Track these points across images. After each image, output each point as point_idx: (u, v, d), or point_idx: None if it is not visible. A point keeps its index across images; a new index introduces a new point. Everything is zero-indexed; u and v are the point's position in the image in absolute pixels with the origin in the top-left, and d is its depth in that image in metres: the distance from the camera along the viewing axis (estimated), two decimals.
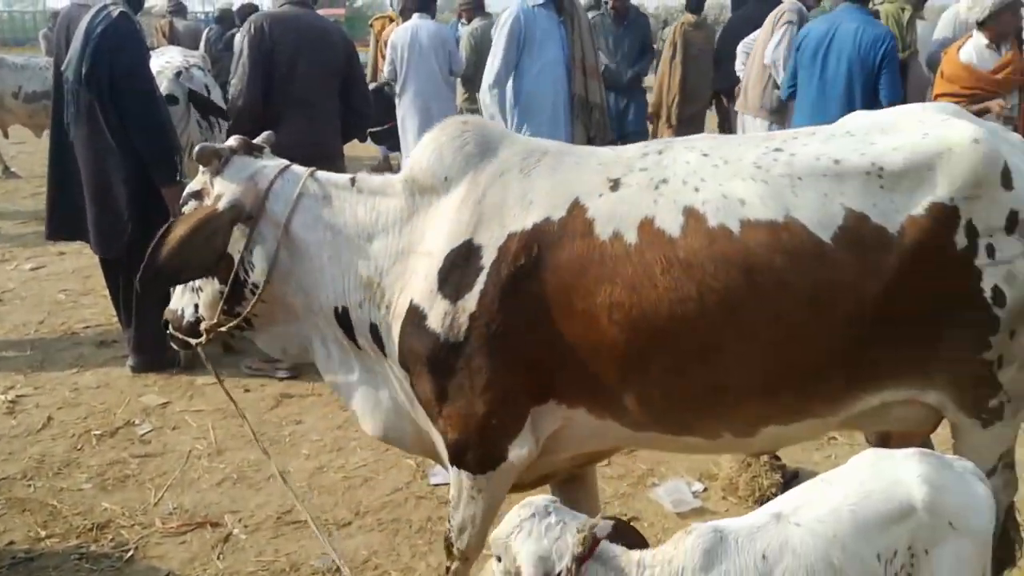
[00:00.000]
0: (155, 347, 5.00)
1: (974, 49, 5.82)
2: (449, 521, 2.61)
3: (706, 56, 8.59)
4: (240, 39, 5.01)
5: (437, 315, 2.32)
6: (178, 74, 6.14)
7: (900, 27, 6.59)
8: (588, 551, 1.84)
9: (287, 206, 2.55)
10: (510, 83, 5.52)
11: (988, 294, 2.17)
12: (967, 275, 2.17)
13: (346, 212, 2.56)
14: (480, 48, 7.62)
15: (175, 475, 3.94)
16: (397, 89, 7.16)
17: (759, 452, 2.80)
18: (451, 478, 2.54)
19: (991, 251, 2.16)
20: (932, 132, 2.21)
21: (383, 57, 8.16)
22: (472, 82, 7.60)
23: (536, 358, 2.29)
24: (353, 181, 2.61)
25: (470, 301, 2.28)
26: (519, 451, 2.38)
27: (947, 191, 2.14)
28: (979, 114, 5.68)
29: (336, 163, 5.07)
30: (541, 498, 1.96)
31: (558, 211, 2.27)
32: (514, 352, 2.29)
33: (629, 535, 2.02)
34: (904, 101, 5.17)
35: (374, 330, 2.52)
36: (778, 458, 3.80)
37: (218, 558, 3.35)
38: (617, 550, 1.89)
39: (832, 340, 2.16)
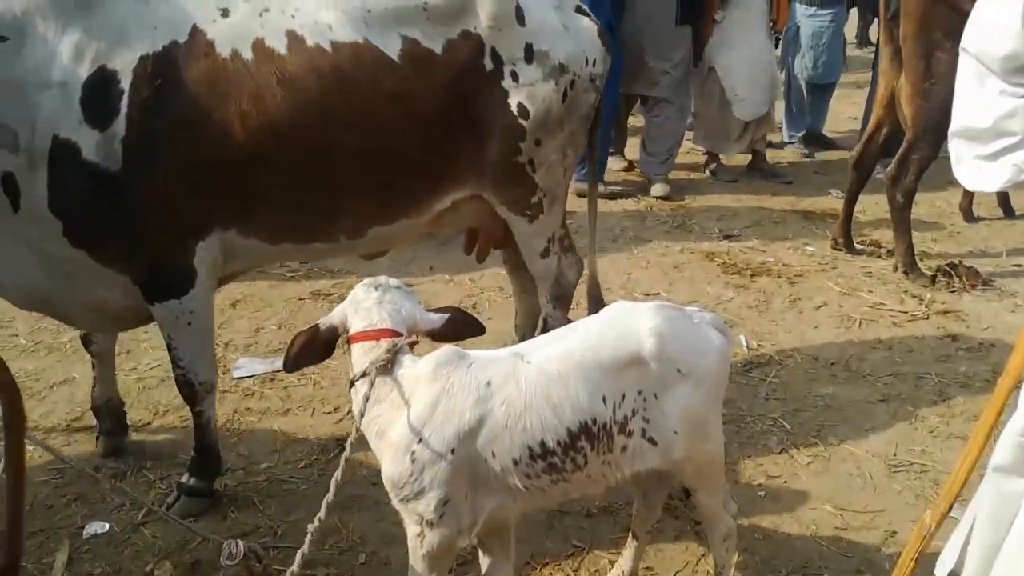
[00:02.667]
0: None
1: None
2: (178, 364, 2.73)
3: None
4: None
5: (89, 146, 2.35)
6: None
7: None
8: (388, 363, 1.96)
9: None
10: None
11: (515, 109, 2.75)
12: (498, 93, 2.73)
13: None
14: None
15: None
16: None
17: (370, 253, 3.13)
18: (158, 317, 2.66)
19: (515, 76, 2.75)
20: None
21: None
22: None
23: (190, 175, 2.46)
24: None
25: (119, 126, 2.36)
26: (205, 260, 2.58)
27: (472, 23, 2.69)
28: None
29: None
30: (387, 278, 2.12)
31: (181, 35, 2.46)
32: (171, 170, 2.44)
33: (465, 323, 2.12)
34: None
35: (8, 179, 2.39)
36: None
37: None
38: (407, 361, 1.98)
39: (410, 143, 2.63)
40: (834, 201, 6.08)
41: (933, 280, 4.74)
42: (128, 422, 3.32)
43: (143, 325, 2.93)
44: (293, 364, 2.05)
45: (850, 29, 10.62)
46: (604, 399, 1.99)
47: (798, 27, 7.10)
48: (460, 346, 2.05)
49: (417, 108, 2.62)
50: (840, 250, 5.23)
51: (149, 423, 3.43)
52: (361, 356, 2.00)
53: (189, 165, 2.46)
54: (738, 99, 6.31)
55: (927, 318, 4.37)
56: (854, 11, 10.30)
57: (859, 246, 5.28)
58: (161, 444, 3.30)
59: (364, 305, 2.04)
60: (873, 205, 5.70)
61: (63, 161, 2.35)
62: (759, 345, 4.07)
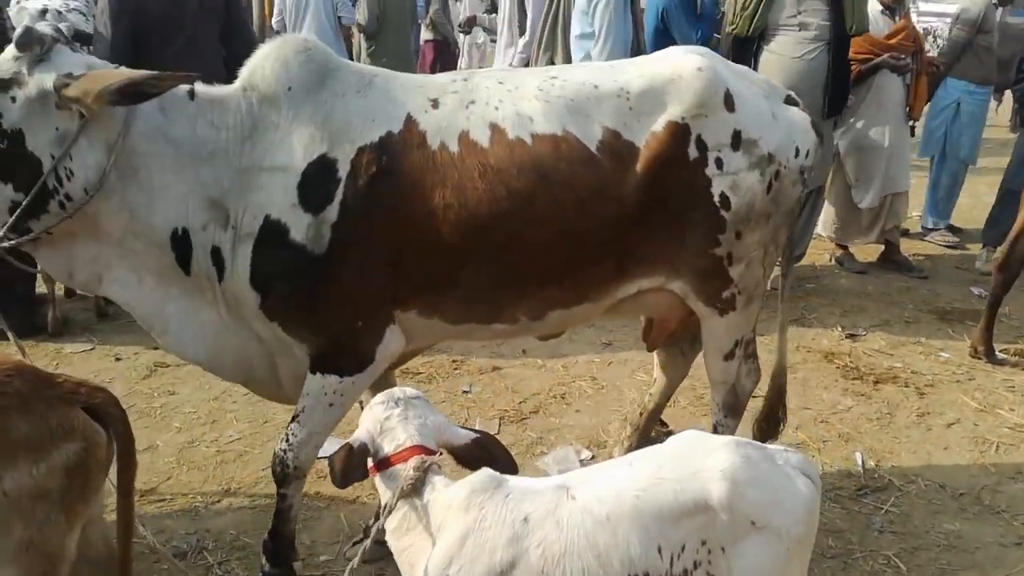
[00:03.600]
0: (22, 312, 4.66)
1: (870, 14, 5.87)
2: (288, 439, 2.62)
3: None
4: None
5: (300, 228, 2.39)
6: (43, 11, 5.60)
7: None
8: (418, 482, 1.79)
9: (127, 110, 2.32)
10: None
11: (717, 199, 2.62)
12: (700, 182, 2.61)
13: (184, 124, 2.42)
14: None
15: None
16: None
17: (548, 334, 3.02)
18: (310, 387, 2.58)
19: (719, 163, 2.61)
20: (669, 62, 2.68)
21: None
22: (378, 35, 7.35)
23: (392, 261, 2.47)
24: (192, 92, 2.46)
25: (331, 212, 2.39)
26: (385, 351, 2.57)
27: (679, 111, 2.58)
28: (873, 71, 5.77)
29: None
30: (402, 390, 1.96)
31: (396, 125, 2.48)
32: (375, 257, 2.45)
33: (493, 451, 1.94)
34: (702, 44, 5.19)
35: (216, 253, 2.45)
36: (665, 423, 3.77)
37: None
38: (439, 483, 1.82)
39: (603, 232, 2.57)
40: (975, 302, 5.54)
41: None
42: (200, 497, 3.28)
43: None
44: (342, 483, 1.86)
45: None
46: (660, 549, 1.74)
47: (957, 105, 6.64)
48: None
49: (615, 199, 2.55)
50: (979, 359, 4.71)
51: (218, 501, 3.37)
52: (390, 481, 1.83)
53: (392, 252, 2.47)
54: (862, 186, 5.91)
55: None
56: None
57: (1001, 355, 4.74)
58: (226, 524, 3.22)
59: (388, 425, 1.87)
60: (1020, 309, 5.15)
61: (270, 240, 2.41)
62: (877, 465, 3.65)
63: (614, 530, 1.73)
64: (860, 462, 3.66)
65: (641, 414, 3.57)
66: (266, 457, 3.61)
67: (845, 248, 6.36)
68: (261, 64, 2.49)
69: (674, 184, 2.60)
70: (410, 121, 2.49)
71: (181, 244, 2.45)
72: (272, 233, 2.40)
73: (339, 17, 7.02)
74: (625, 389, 4.31)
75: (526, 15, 6.44)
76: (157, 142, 2.39)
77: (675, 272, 2.74)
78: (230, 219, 2.43)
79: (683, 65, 2.64)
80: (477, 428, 1.98)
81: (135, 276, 2.51)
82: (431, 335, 2.74)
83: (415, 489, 1.79)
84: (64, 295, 5.31)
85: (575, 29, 5.36)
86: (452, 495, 1.79)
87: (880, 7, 5.85)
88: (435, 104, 2.53)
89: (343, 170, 2.42)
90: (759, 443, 1.95)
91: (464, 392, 4.26)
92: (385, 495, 1.84)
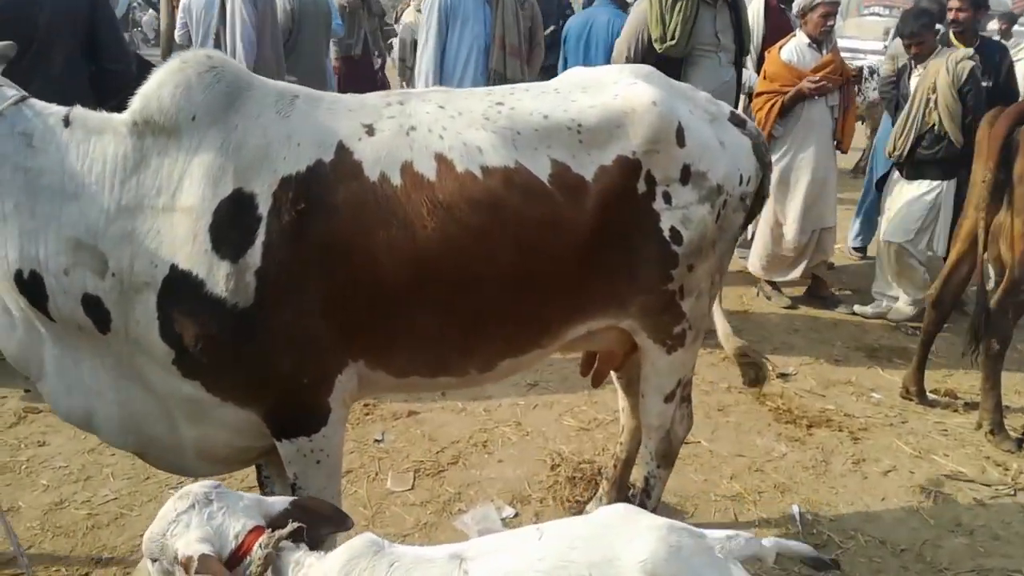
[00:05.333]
0: None
1: (795, 48, 5.80)
2: None
3: None
4: None
5: (217, 278, 2.08)
6: None
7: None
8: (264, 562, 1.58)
9: None
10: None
11: (667, 234, 2.52)
12: (649, 217, 2.51)
13: (50, 153, 2.07)
14: (300, 16, 7.07)
15: None
16: None
17: (494, 382, 2.88)
18: (286, 455, 2.35)
19: (667, 197, 2.51)
20: (621, 93, 2.51)
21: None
22: (292, 51, 7.06)
23: (330, 308, 2.20)
24: (67, 118, 2.12)
25: (253, 256, 2.08)
26: (341, 395, 2.33)
27: (630, 146, 2.45)
28: (795, 99, 5.68)
29: None
30: (200, 485, 1.72)
31: (327, 154, 2.20)
32: (310, 304, 2.17)
33: (319, 514, 1.76)
34: None
35: (92, 302, 2.10)
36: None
37: None
38: (304, 559, 1.61)
39: (556, 271, 2.41)
40: (904, 338, 5.46)
41: (1020, 445, 4.08)
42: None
43: (247, 466, 2.72)
44: None
45: None
46: None
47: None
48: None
49: (566, 236, 2.40)
50: (911, 399, 4.59)
51: (87, 573, 2.93)
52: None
53: (331, 298, 2.19)
54: (788, 221, 5.82)
55: (1013, 494, 3.70)
56: None
57: (932, 396, 4.63)
58: None
59: (216, 521, 1.62)
60: (947, 347, 5.08)
61: (180, 291, 2.07)
62: (814, 519, 3.45)
63: None
64: (797, 516, 3.45)
65: (615, 466, 3.36)
66: (145, 520, 3.18)
67: (773, 283, 6.24)
68: (157, 92, 2.13)
69: (623, 219, 2.48)
70: (342, 149, 2.22)
71: (30, 288, 2.09)
72: (182, 285, 2.08)
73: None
74: (551, 436, 4.01)
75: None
76: (2, 168, 2.04)
77: (624, 310, 2.63)
78: (108, 266, 2.09)
79: (637, 97, 2.50)
80: (284, 498, 1.79)
81: (5, 317, 2.18)
82: (377, 388, 2.53)
83: (270, 569, 1.55)
84: None
85: None
86: (328, 566, 1.56)
87: (807, 40, 5.77)
88: (370, 131, 2.28)
89: (264, 206, 2.11)
90: (696, 530, 1.68)
91: (376, 441, 3.90)
92: None
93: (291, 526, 1.62)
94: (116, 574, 2.94)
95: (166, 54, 5.60)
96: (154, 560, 1.65)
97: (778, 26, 6.34)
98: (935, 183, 5.54)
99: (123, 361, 2.21)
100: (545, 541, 1.60)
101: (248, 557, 1.58)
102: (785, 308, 6.04)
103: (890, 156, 5.70)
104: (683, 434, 3.11)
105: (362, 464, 3.69)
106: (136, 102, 2.16)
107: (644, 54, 5.06)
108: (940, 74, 5.29)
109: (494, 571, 1.55)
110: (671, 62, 5.00)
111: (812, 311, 6.02)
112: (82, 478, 3.46)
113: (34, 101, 2.16)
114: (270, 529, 1.63)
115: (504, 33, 6.07)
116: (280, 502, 1.74)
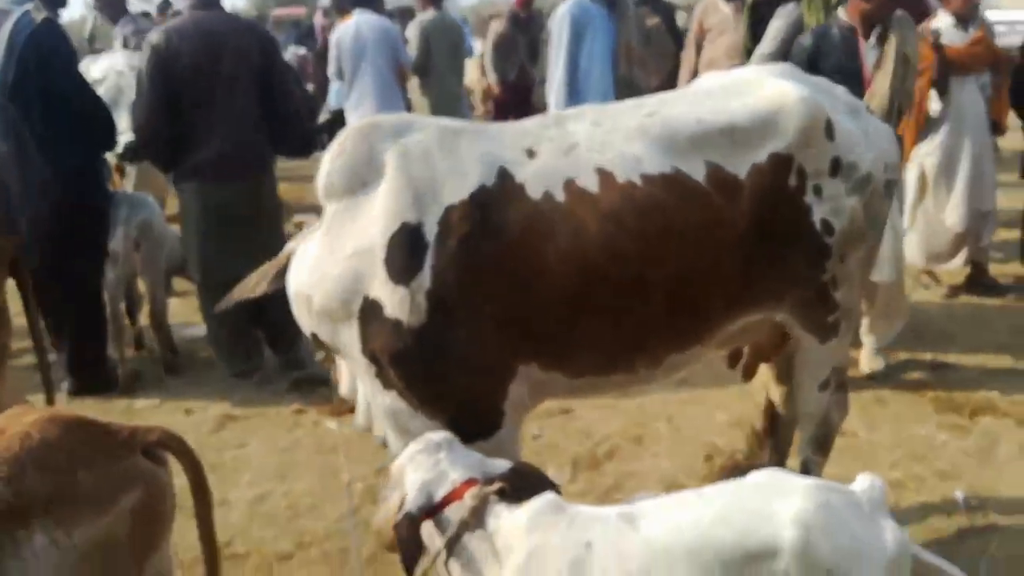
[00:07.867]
0: (92, 369, 4.76)
1: (942, 28, 5.65)
2: None
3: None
4: (140, 59, 4.72)
5: (393, 302, 2.35)
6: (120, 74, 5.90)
7: None
8: (479, 514, 1.81)
9: None
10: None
11: (819, 226, 2.61)
12: (801, 211, 2.60)
13: None
14: (430, 39, 7.71)
15: None
16: (345, 89, 6.83)
17: (659, 380, 2.91)
18: None
19: (818, 190, 2.61)
20: (768, 92, 2.62)
21: None
22: (426, 74, 7.85)
23: (503, 320, 2.39)
24: None
25: (423, 279, 2.33)
26: (513, 401, 2.51)
27: (782, 143, 2.55)
28: (942, 74, 5.49)
29: (263, 179, 4.83)
30: (437, 435, 2.01)
31: (489, 179, 2.41)
32: (482, 319, 2.38)
33: (532, 481, 1.95)
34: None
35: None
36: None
37: None
38: (503, 511, 1.83)
39: (717, 269, 2.53)
40: None
41: None
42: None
43: None
44: (410, 569, 1.83)
45: None
46: None
47: None
48: None
49: (724, 233, 2.53)
50: None
51: (291, 555, 3.31)
52: (445, 523, 1.83)
53: (501, 311, 2.40)
54: (949, 208, 5.66)
55: None
56: None
57: None
58: None
59: (439, 469, 1.87)
60: None
61: (371, 317, 2.40)
62: (979, 504, 3.40)
63: (670, 565, 1.66)
64: (961, 501, 3.41)
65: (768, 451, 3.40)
66: (337, 509, 3.56)
67: (930, 272, 6.07)
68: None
69: (776, 214, 2.58)
70: (504, 173, 2.43)
71: None
72: (372, 311, 2.40)
73: (400, 61, 6.99)
74: (703, 430, 4.13)
75: None
76: None
77: (780, 303, 2.71)
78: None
79: (786, 95, 2.61)
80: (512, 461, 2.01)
81: None
82: (548, 391, 2.66)
83: (478, 519, 1.78)
84: (134, 349, 5.37)
85: None
86: (516, 519, 1.78)
87: (951, 20, 5.61)
88: (530, 154, 2.48)
89: (430, 234, 2.36)
90: (844, 487, 1.80)
91: (534, 437, 4.14)
92: (436, 543, 1.80)
93: (497, 484, 1.85)
94: (315, 555, 3.30)
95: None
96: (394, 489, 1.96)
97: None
98: None
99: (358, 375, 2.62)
100: (706, 500, 1.78)
101: (452, 505, 1.83)
102: (945, 298, 5.86)
103: None
104: (839, 420, 3.15)
105: (523, 459, 3.93)
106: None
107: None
108: None
109: (663, 522, 1.73)
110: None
111: (973, 299, 5.81)
112: (279, 475, 3.87)
113: None
114: (483, 484, 1.87)
115: (628, 42, 6.29)
116: (502, 464, 1.97)
